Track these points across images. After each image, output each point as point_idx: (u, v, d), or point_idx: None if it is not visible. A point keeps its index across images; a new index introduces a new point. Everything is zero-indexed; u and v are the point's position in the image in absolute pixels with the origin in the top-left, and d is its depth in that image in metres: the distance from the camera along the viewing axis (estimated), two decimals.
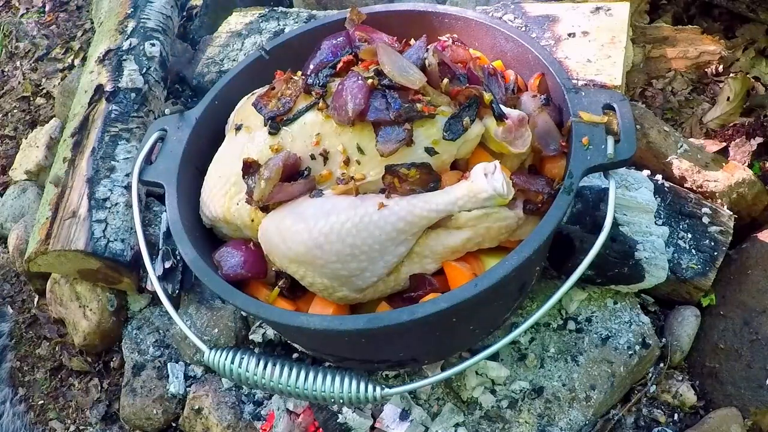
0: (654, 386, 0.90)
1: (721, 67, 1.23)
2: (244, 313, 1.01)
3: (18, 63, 1.71)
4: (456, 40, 0.81)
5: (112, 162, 1.11)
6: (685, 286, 0.92)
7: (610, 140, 0.69)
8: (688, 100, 1.21)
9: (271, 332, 0.97)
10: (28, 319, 1.25)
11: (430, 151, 0.68)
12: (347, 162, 0.70)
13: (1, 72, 1.76)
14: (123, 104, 1.17)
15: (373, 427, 0.88)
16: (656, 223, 0.90)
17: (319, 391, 0.70)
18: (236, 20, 1.33)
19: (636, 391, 0.90)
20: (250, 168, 0.72)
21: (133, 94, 1.18)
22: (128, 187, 1.08)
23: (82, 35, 1.73)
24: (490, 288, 0.62)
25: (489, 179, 0.65)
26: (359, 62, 0.76)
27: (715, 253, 0.92)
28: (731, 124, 1.14)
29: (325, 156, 0.71)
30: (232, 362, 0.72)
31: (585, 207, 0.85)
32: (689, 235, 0.93)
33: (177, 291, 1.01)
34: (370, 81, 0.69)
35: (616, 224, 0.87)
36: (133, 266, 1.04)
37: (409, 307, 0.63)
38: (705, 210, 0.95)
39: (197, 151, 0.83)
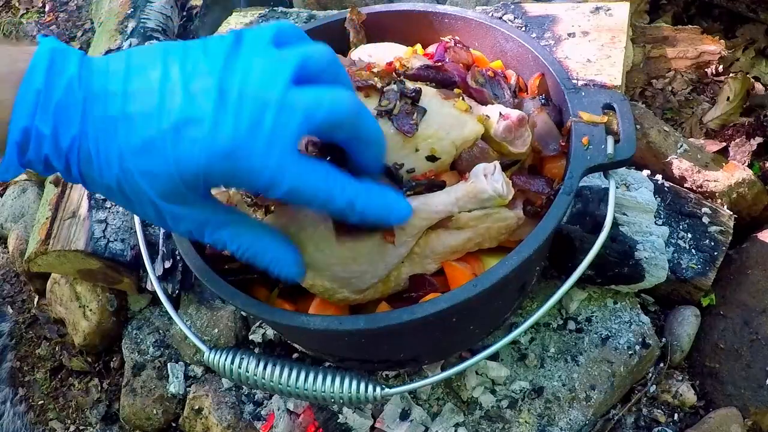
0: (654, 386, 0.90)
1: (721, 67, 1.23)
2: (244, 314, 1.01)
3: None
4: (458, 41, 0.81)
5: None
6: (685, 286, 0.92)
7: (610, 140, 0.69)
8: (688, 100, 1.21)
9: (271, 332, 0.97)
10: (28, 319, 1.25)
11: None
12: None
13: None
14: None
15: (373, 427, 0.88)
16: (656, 223, 0.90)
17: (319, 391, 0.70)
18: (236, 20, 1.33)
19: (636, 391, 0.90)
20: None
21: None
22: None
23: (82, 35, 1.73)
24: (490, 288, 0.62)
25: (489, 179, 0.65)
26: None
27: (715, 253, 0.92)
28: (731, 124, 1.14)
29: None
30: (232, 362, 0.72)
31: (585, 207, 0.85)
32: (689, 235, 0.93)
33: (177, 291, 1.01)
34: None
35: (616, 224, 0.87)
36: (133, 266, 1.04)
37: (409, 307, 0.63)
38: (705, 210, 0.95)
39: None
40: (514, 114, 0.71)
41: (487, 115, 0.71)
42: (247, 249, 0.59)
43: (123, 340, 1.10)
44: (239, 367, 0.72)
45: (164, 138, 0.50)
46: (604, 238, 0.67)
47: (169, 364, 1.04)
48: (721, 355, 0.90)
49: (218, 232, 0.57)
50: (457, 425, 0.85)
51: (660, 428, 0.86)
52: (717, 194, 0.98)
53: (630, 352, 0.87)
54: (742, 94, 1.16)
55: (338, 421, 0.88)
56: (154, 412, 1.02)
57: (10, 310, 1.27)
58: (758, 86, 1.19)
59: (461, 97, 0.71)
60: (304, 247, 0.65)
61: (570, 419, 0.84)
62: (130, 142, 0.51)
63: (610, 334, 0.89)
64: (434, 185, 0.67)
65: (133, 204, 0.54)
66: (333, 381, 0.69)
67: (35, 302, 1.26)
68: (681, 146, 1.02)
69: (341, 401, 0.70)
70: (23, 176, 1.38)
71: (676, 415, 0.88)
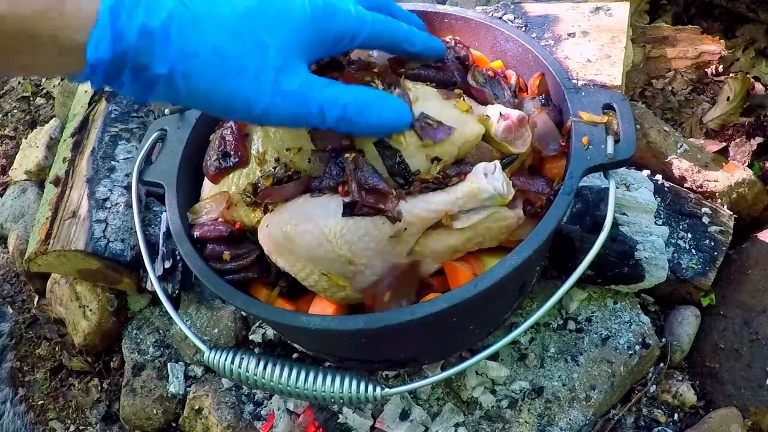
0: (654, 386, 0.90)
1: (721, 67, 1.23)
2: (244, 314, 1.01)
3: None
4: (458, 41, 0.81)
5: (112, 162, 1.11)
6: (685, 286, 0.92)
7: (610, 140, 0.69)
8: (688, 100, 1.21)
9: (271, 332, 0.97)
10: (28, 319, 1.25)
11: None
12: None
13: None
14: (123, 104, 1.17)
15: (373, 427, 0.88)
16: (656, 223, 0.90)
17: (319, 391, 0.70)
18: None
19: (636, 391, 0.90)
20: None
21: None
22: (128, 187, 1.08)
23: None
24: (490, 288, 0.62)
25: (489, 179, 0.65)
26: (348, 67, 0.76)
27: (715, 253, 0.92)
28: (731, 124, 1.14)
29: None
30: (232, 362, 0.72)
31: (585, 207, 0.86)
32: (689, 235, 0.93)
33: (177, 291, 1.01)
34: None
35: (616, 224, 0.87)
36: (133, 266, 1.04)
37: (409, 307, 0.63)
38: (705, 210, 0.95)
39: (197, 151, 0.83)
40: (515, 114, 0.71)
41: (487, 115, 0.71)
42: (350, 104, 0.61)
43: (123, 340, 1.10)
44: (239, 367, 0.72)
45: None
46: (604, 238, 0.67)
47: (169, 364, 1.04)
48: (721, 355, 0.90)
49: (322, 93, 0.60)
50: (457, 425, 0.85)
51: (660, 428, 0.86)
52: (717, 194, 0.98)
53: (630, 352, 0.87)
54: (742, 94, 1.16)
55: (338, 421, 0.88)
56: (154, 412, 1.02)
57: (10, 310, 1.27)
58: (758, 86, 1.19)
59: (462, 98, 0.71)
60: None
61: (570, 419, 0.84)
62: None
63: (610, 334, 0.89)
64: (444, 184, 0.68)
65: (227, 71, 0.55)
66: (333, 381, 0.70)
67: (35, 302, 1.26)
68: (681, 146, 1.02)
69: (341, 401, 0.70)
70: (23, 176, 1.38)
71: (676, 415, 0.88)
